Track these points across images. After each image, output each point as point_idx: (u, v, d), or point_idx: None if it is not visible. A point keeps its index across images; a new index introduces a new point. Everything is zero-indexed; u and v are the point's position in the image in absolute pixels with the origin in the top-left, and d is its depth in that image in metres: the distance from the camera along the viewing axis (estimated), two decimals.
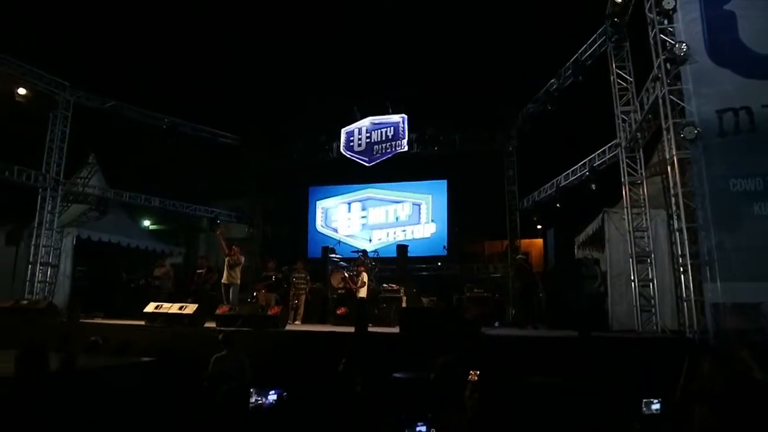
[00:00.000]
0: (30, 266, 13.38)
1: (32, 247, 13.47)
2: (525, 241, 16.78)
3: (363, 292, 11.73)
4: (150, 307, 9.78)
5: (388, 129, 16.20)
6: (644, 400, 3.37)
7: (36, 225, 13.62)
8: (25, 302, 11.51)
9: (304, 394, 4.04)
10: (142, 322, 9.58)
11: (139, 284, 13.66)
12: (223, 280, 11.20)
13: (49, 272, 13.65)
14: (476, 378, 4.46)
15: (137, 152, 16.94)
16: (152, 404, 4.65)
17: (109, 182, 15.64)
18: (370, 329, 8.72)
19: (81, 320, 10.63)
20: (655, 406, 3.39)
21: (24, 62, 12.94)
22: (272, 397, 3.23)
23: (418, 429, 3.06)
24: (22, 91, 12.63)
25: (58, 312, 11.38)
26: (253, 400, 3.13)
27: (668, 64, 7.63)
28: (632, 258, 9.94)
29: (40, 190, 13.78)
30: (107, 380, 4.37)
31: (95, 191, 14.88)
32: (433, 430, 3.03)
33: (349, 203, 18.32)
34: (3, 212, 14.70)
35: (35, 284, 13.34)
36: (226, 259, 11.21)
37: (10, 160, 13.08)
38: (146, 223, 20.45)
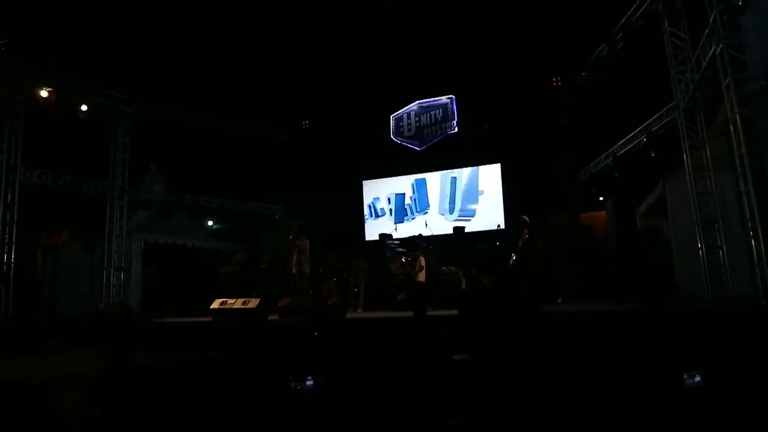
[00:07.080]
0: (105, 271, 14.19)
1: (105, 253, 14.26)
2: (587, 215, 16.23)
3: (422, 277, 11.68)
4: (215, 304, 10.08)
5: (437, 111, 16.07)
6: (685, 373, 3.19)
7: (107, 232, 14.40)
8: (102, 305, 12.22)
9: (361, 379, 4.10)
10: (209, 319, 9.94)
11: (205, 283, 14.21)
12: (293, 270, 11.06)
13: (122, 276, 14.42)
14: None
15: (196, 155, 17.50)
16: (219, 395, 4.87)
17: (171, 186, 16.31)
18: (430, 313, 8.74)
19: (154, 320, 11.19)
20: (696, 379, 3.19)
21: (84, 79, 13.61)
22: (309, 382, 3.30)
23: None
24: (84, 107, 13.32)
25: (133, 313, 12.01)
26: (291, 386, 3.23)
27: (724, 16, 7.18)
28: (698, 225, 9.49)
29: (109, 199, 14.54)
30: (173, 375, 4.63)
31: (158, 197, 15.53)
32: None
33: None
34: (79, 222, 15.60)
35: (110, 288, 14.14)
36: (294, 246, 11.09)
37: (80, 173, 13.92)
38: (209, 223, 21.12)
